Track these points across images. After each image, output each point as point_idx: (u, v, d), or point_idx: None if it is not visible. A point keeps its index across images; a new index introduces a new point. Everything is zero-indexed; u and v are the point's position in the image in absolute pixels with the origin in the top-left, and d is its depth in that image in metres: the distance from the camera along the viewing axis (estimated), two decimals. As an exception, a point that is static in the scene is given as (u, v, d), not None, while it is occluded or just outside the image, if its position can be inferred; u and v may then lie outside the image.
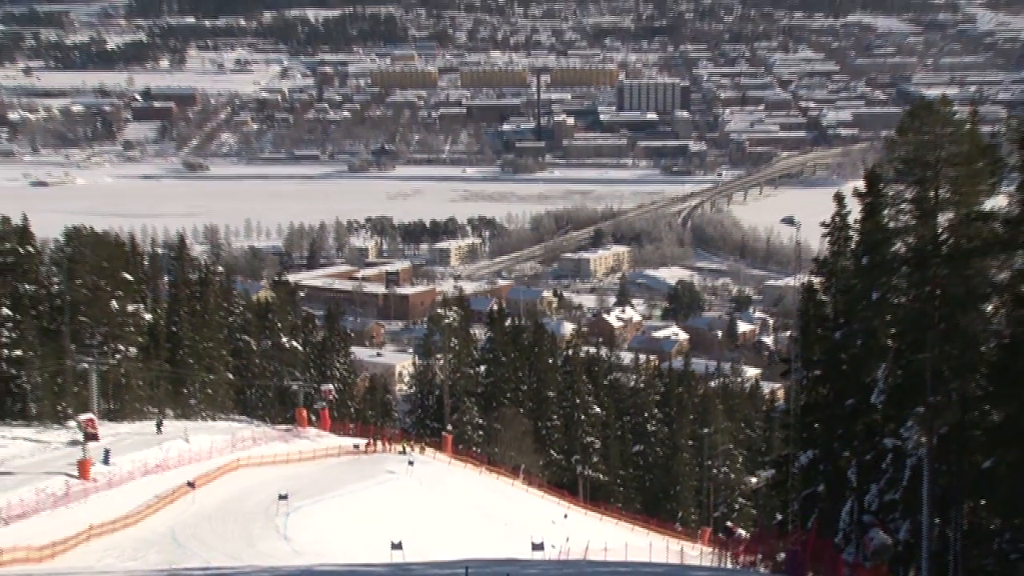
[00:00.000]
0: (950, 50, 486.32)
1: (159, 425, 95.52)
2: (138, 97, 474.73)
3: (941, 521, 44.54)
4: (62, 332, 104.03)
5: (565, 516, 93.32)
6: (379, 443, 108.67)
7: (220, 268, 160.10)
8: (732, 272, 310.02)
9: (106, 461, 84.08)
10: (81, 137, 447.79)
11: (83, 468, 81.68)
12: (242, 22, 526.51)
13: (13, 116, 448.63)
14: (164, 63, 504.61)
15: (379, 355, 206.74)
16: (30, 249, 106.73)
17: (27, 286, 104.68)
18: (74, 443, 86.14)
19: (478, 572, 30.62)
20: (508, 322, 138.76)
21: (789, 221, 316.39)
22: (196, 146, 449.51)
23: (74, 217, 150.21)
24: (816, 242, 74.37)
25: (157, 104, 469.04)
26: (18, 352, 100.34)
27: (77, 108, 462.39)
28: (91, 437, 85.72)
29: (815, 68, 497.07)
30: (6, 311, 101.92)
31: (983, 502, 43.84)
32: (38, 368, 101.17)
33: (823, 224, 62.86)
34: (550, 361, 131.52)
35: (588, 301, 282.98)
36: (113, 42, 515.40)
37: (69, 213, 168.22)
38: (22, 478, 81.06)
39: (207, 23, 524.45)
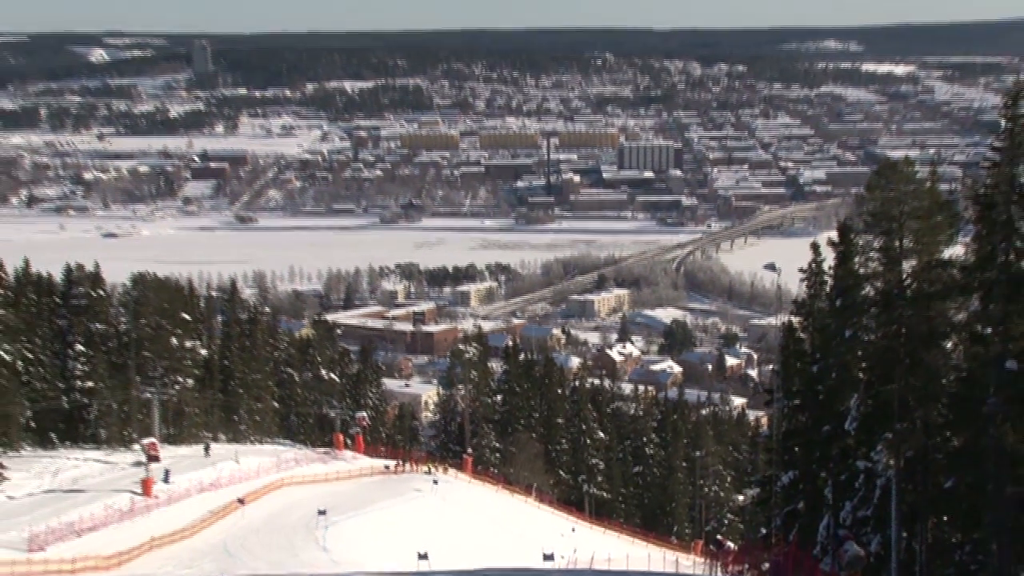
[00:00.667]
0: (911, 117, 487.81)
1: (207, 448, 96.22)
2: (196, 159, 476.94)
3: (908, 535, 44.49)
4: (128, 366, 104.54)
5: (573, 530, 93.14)
6: (407, 464, 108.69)
7: (267, 309, 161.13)
8: (720, 312, 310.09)
9: (166, 480, 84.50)
10: (146, 194, 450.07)
11: (146, 486, 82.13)
12: (287, 92, 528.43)
13: (88, 176, 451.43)
14: (219, 128, 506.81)
15: (407, 386, 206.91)
16: (101, 292, 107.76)
17: (98, 325, 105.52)
18: (138, 464, 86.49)
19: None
20: (522, 356, 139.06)
21: (771, 267, 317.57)
22: (246, 201, 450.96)
23: (139, 264, 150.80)
24: (795, 286, 74.53)
25: (213, 165, 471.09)
26: (90, 383, 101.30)
27: (143, 169, 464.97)
28: (153, 459, 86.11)
29: (793, 132, 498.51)
30: (79, 347, 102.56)
31: (945, 518, 43.81)
32: (107, 397, 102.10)
33: (801, 270, 63.09)
34: (559, 391, 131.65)
35: (593, 338, 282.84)
36: (175, 111, 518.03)
37: (135, 261, 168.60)
38: (93, 495, 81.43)
39: (257, 93, 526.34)
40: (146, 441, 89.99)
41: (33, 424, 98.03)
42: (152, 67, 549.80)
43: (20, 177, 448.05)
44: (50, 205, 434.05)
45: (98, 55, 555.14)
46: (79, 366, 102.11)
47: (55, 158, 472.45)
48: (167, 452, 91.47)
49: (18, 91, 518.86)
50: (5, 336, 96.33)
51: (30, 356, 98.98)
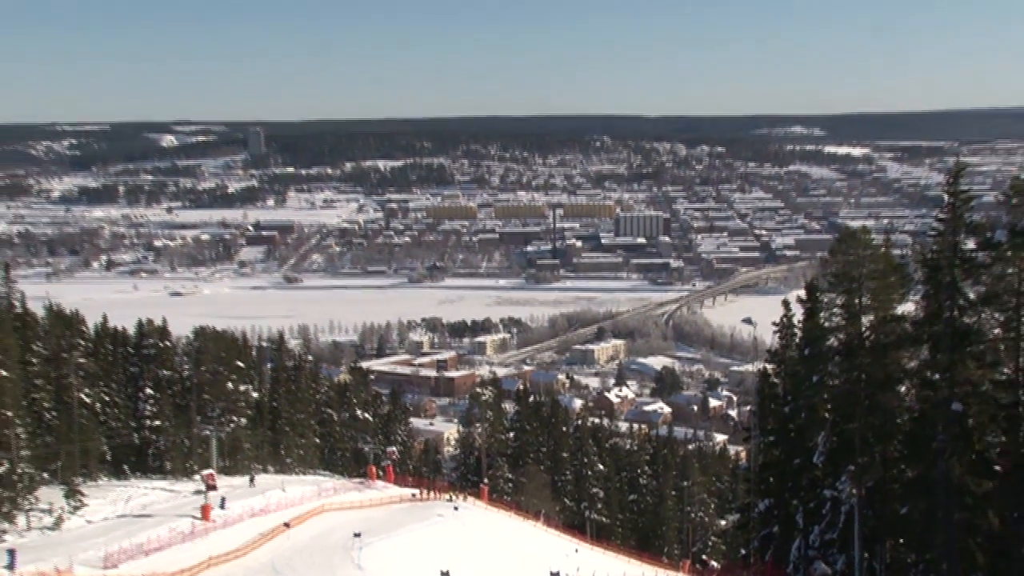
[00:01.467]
0: (867, 192, 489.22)
1: (251, 479, 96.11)
2: (250, 228, 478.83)
3: (869, 556, 44.27)
4: (190, 407, 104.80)
5: (576, 551, 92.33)
6: (431, 493, 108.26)
7: (309, 357, 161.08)
8: (704, 360, 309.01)
9: (222, 506, 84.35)
10: (207, 258, 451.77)
11: (205, 512, 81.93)
12: (329, 171, 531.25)
13: (158, 243, 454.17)
14: (270, 202, 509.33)
15: (431, 424, 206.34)
16: (167, 343, 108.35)
17: (165, 371, 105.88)
18: (198, 492, 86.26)
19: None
20: (531, 399, 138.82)
21: (748, 321, 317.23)
22: (293, 264, 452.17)
23: (200, 319, 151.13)
24: (769, 337, 74.40)
25: (264, 233, 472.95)
26: (157, 422, 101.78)
27: (205, 237, 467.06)
28: (211, 488, 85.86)
29: (765, 204, 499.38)
30: (149, 390, 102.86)
31: (901, 541, 43.64)
32: (172, 434, 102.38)
33: (774, 323, 63.41)
34: (564, 429, 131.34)
35: (593, 382, 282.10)
36: (233, 187, 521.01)
37: (197, 316, 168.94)
38: (159, 519, 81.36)
39: (303, 172, 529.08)
40: (205, 472, 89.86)
41: (109, 457, 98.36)
42: (214, 150, 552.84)
43: (101, 245, 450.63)
44: (125, 268, 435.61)
45: (168, 140, 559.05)
46: (148, 407, 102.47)
47: (130, 228, 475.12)
48: (223, 482, 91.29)
49: (100, 172, 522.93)
50: (86, 381, 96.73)
51: (107, 399, 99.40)
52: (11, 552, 65.49)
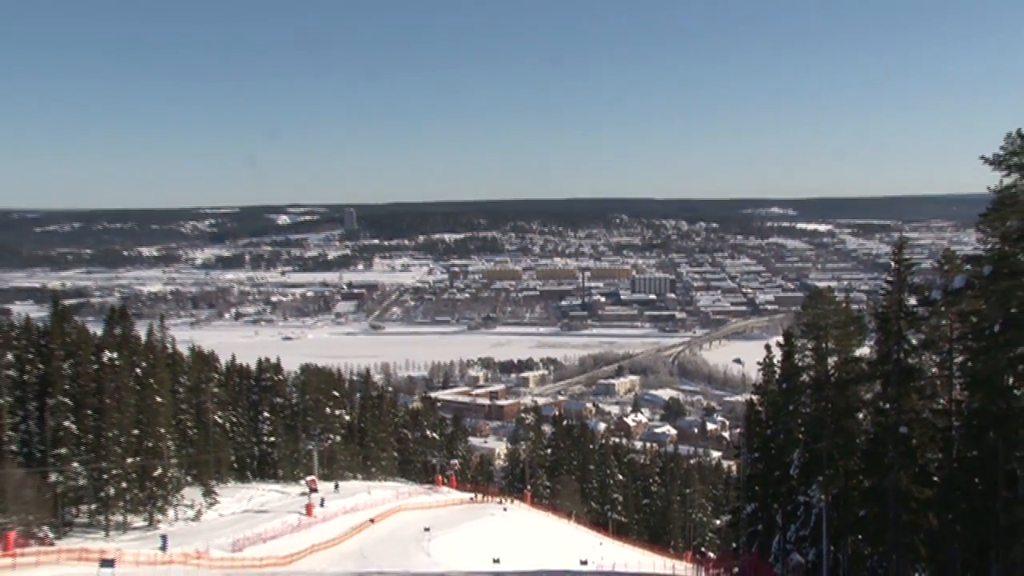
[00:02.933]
0: (831, 260, 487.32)
1: (336, 486, 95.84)
2: (344, 287, 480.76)
3: (835, 549, 43.99)
4: (297, 426, 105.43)
5: (600, 543, 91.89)
6: (485, 496, 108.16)
7: (390, 388, 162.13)
8: (703, 392, 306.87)
9: (322, 505, 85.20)
10: (311, 310, 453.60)
11: (308, 509, 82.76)
12: (406, 241, 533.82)
13: (273, 299, 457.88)
14: (360, 266, 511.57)
15: (485, 442, 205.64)
16: (280, 377, 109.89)
17: (278, 398, 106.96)
18: (303, 494, 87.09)
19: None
20: (564, 422, 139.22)
21: (738, 361, 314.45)
22: (377, 315, 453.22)
23: (305, 358, 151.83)
24: (754, 374, 74.33)
25: (355, 290, 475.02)
26: (272, 438, 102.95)
27: (309, 294, 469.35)
28: (313, 490, 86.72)
29: (751, 269, 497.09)
30: (266, 413, 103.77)
31: (860, 537, 43.30)
32: (283, 448, 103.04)
33: (758, 363, 63.47)
34: (590, 446, 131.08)
35: (614, 409, 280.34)
36: (331, 255, 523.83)
37: (302, 356, 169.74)
38: (273, 514, 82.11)
39: (385, 243, 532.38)
40: (308, 478, 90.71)
41: (235, 465, 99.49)
42: (317, 226, 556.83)
43: (231, 300, 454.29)
44: (249, 318, 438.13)
45: (283, 219, 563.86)
46: (265, 426, 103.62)
47: (253, 287, 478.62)
48: (322, 486, 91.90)
49: (231, 244, 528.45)
50: (219, 406, 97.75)
51: (234, 419, 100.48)
52: (164, 537, 66.25)
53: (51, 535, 67.39)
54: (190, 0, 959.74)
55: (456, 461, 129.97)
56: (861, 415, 45.03)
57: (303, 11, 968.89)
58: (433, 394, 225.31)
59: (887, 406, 40.16)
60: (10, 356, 75.78)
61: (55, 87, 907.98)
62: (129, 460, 76.11)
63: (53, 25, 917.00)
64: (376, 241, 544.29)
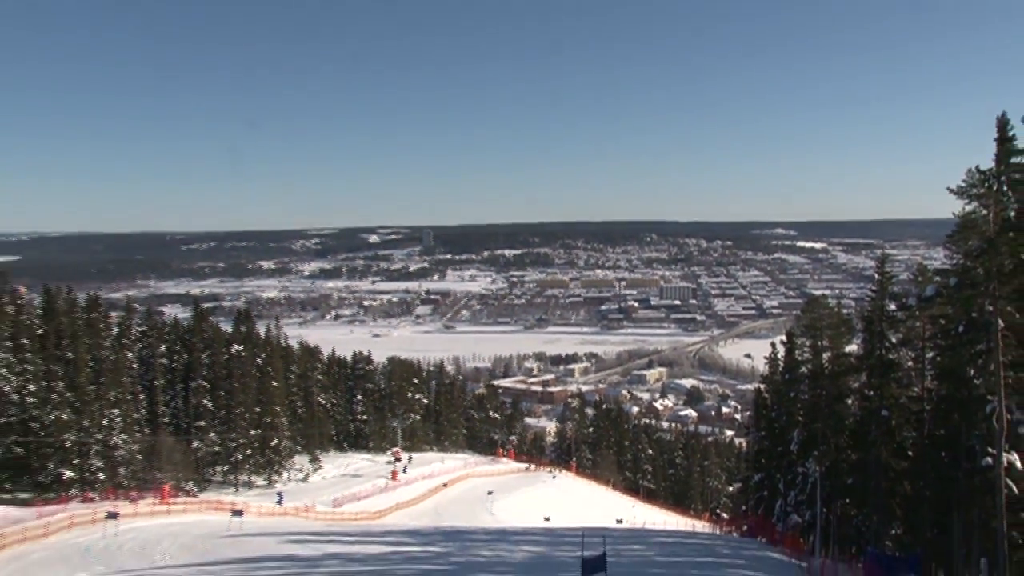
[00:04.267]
0: (825, 272, 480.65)
1: (410, 458, 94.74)
2: (423, 293, 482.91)
3: (826, 510, 43.79)
4: (384, 407, 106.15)
5: (633, 506, 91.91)
6: (538, 466, 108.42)
7: (460, 377, 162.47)
8: (719, 382, 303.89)
9: (405, 471, 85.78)
10: (395, 313, 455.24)
11: (393, 475, 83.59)
12: (473, 256, 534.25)
13: (365, 303, 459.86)
14: (435, 277, 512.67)
15: (538, 422, 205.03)
16: (370, 367, 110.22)
17: (369, 384, 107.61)
18: (389, 462, 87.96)
19: (588, 533, 30.79)
20: (604, 406, 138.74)
21: (748, 356, 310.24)
22: (449, 317, 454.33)
23: (391, 352, 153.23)
24: (761, 366, 73.93)
25: (432, 296, 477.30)
26: (364, 417, 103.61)
27: (394, 299, 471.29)
28: (397, 459, 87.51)
29: (759, 279, 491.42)
30: (359, 396, 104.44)
31: (847, 501, 43.14)
32: (373, 425, 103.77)
33: (765, 357, 63.11)
34: (625, 426, 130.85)
35: (645, 396, 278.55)
36: (412, 267, 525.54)
37: (389, 350, 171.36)
38: (365, 478, 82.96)
39: (457, 257, 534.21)
40: (393, 449, 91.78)
41: (335, 438, 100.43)
42: (401, 244, 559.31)
43: (331, 304, 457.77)
44: (345, 319, 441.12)
45: (374, 238, 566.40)
46: (359, 407, 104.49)
47: (349, 294, 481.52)
48: (404, 457, 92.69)
49: (332, 258, 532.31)
50: (322, 390, 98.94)
51: (334, 401, 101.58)
52: (280, 494, 67.50)
53: (195, 489, 69.14)
54: (332, 47, 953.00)
55: (514, 438, 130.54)
56: (849, 401, 44.80)
57: (403, 62, 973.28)
58: (495, 382, 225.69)
59: (871, 393, 40.05)
60: (163, 347, 77.97)
61: (205, 132, 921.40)
62: (252, 432, 77.58)
63: (208, 78, 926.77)
64: (449, 256, 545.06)
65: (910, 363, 38.63)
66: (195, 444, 74.11)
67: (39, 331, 67.99)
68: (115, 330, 76.63)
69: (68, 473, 63.06)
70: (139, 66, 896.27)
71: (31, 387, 63.23)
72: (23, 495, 60.86)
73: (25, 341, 65.07)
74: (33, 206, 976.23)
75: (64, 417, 62.86)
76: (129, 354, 74.65)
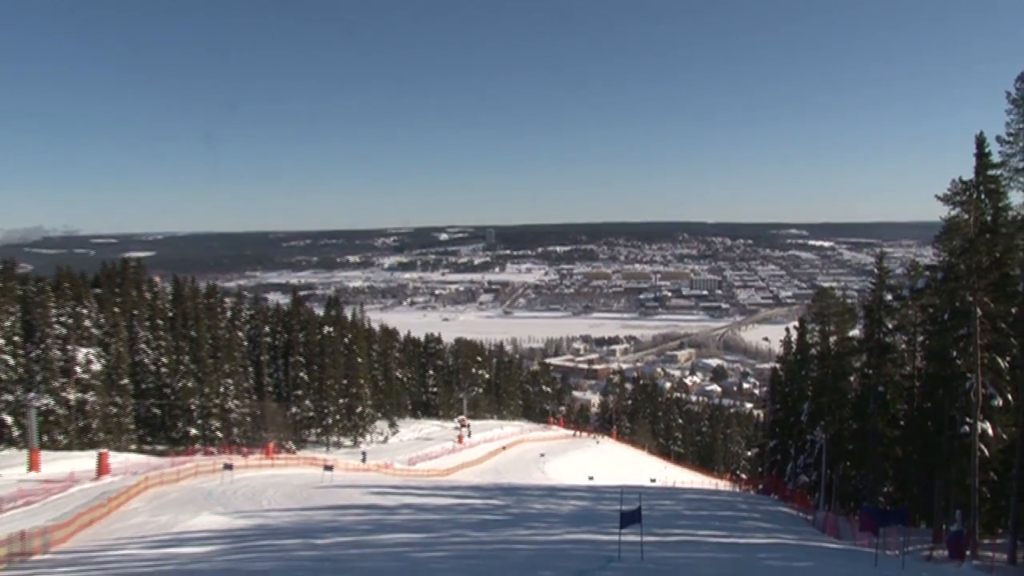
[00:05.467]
0: (833, 267, 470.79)
1: (469, 432, 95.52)
2: (485, 284, 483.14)
3: (830, 472, 43.67)
4: (451, 381, 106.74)
5: (665, 467, 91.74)
6: (583, 433, 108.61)
7: (517, 356, 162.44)
8: (741, 361, 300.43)
9: (469, 436, 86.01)
10: (462, 300, 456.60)
11: (459, 439, 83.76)
12: (529, 252, 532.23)
13: (436, 292, 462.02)
14: (496, 270, 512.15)
15: (584, 395, 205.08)
16: (440, 346, 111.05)
17: (439, 361, 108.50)
18: (456, 428, 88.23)
19: (626, 490, 31.10)
20: (640, 381, 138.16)
21: (766, 339, 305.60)
22: (508, 304, 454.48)
23: (457, 333, 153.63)
24: (777, 348, 73.21)
25: (493, 287, 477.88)
26: (435, 389, 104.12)
27: (461, 289, 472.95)
28: (463, 426, 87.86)
29: (775, 273, 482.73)
30: (431, 372, 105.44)
31: (848, 463, 43.03)
32: (442, 396, 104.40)
33: (780, 340, 62.80)
34: (659, 399, 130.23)
35: (676, 373, 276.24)
36: (476, 261, 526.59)
37: (456, 332, 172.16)
38: (435, 441, 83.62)
39: (515, 253, 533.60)
40: (459, 417, 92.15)
41: (410, 407, 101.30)
42: (467, 241, 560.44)
43: (407, 293, 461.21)
44: (419, 306, 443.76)
45: (443, 236, 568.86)
46: (430, 380, 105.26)
47: (423, 284, 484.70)
48: (468, 423, 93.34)
49: (408, 253, 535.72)
50: (399, 365, 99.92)
51: (410, 376, 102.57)
52: (364, 453, 68.65)
53: (293, 447, 70.87)
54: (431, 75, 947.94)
55: (563, 408, 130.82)
56: (852, 378, 44.63)
57: (463, 70, 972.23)
58: (547, 360, 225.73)
59: (870, 372, 39.99)
60: (267, 328, 79.88)
61: (306, 147, 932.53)
62: (340, 400, 79.19)
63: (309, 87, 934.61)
64: (508, 251, 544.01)
65: (903, 346, 38.54)
66: (293, 410, 75.92)
67: (170, 313, 70.55)
68: (229, 313, 78.90)
69: (193, 431, 65.53)
70: (242, 85, 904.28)
71: (164, 359, 65.77)
72: (160, 447, 63.44)
73: (159, 321, 67.66)
74: (165, 211, 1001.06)
75: (190, 385, 65.21)
76: (240, 333, 76.83)
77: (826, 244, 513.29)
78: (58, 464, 46.24)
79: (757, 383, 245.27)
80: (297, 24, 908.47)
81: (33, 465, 45.28)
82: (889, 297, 39.00)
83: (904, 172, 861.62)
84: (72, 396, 56.40)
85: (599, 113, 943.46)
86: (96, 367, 58.37)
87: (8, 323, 54.54)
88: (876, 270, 41.02)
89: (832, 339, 47.51)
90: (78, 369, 57.06)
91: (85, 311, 60.25)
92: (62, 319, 57.83)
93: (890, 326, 38.91)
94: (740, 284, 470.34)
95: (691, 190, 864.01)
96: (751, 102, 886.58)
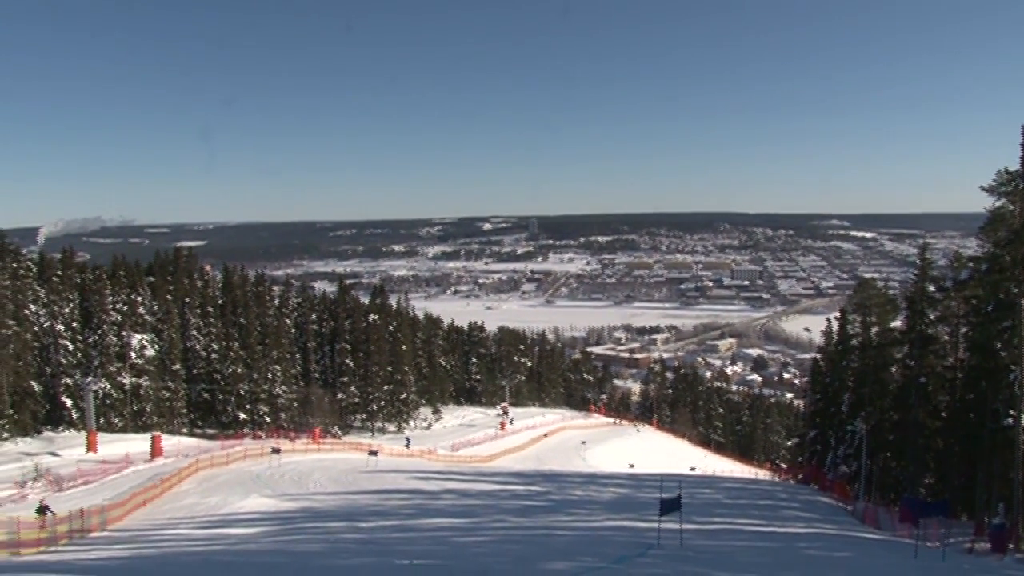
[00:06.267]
0: (874, 258, 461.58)
1: (511, 415, 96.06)
2: (528, 273, 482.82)
3: (871, 462, 43.13)
4: (495, 368, 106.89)
5: (705, 456, 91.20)
6: (624, 421, 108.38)
7: (559, 344, 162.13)
8: (781, 351, 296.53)
9: (511, 423, 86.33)
10: (505, 289, 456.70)
11: (502, 425, 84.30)
12: (571, 242, 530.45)
13: (480, 281, 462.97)
14: (539, 259, 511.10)
15: (625, 383, 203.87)
16: (483, 334, 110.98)
17: (482, 349, 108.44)
18: (498, 415, 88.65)
19: (666, 479, 30.94)
20: (681, 371, 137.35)
21: (807, 329, 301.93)
22: (550, 293, 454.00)
23: (500, 322, 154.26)
24: (818, 338, 72.32)
25: (535, 276, 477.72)
26: (477, 376, 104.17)
27: (504, 278, 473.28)
28: (505, 412, 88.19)
29: (816, 264, 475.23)
30: (474, 359, 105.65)
31: (889, 454, 42.43)
32: (484, 383, 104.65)
33: (821, 331, 62.14)
34: (699, 388, 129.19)
35: (717, 362, 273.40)
36: (519, 251, 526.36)
37: (498, 320, 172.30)
38: (478, 428, 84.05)
39: (557, 243, 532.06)
40: (502, 404, 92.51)
41: (453, 394, 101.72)
42: (510, 231, 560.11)
43: (451, 281, 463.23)
44: (463, 294, 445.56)
45: (487, 226, 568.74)
46: (473, 368, 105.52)
47: (466, 273, 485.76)
48: (512, 410, 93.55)
49: (452, 243, 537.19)
50: (442, 353, 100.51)
51: (453, 363, 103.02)
52: (408, 439, 69.26)
53: (339, 432, 71.80)
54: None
55: (604, 396, 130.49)
56: (893, 369, 43.97)
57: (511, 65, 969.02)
58: (589, 349, 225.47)
59: (911, 363, 39.32)
60: (313, 316, 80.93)
61: (348, 140, 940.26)
62: (385, 387, 79.94)
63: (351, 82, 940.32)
64: (550, 241, 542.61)
65: (946, 337, 37.82)
66: (339, 395, 76.86)
67: (220, 301, 71.87)
68: (277, 301, 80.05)
69: (242, 415, 66.75)
70: (287, 76, 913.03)
71: (214, 346, 67.04)
72: (210, 431, 64.81)
73: (210, 309, 68.98)
74: (215, 201, 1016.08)
75: (239, 370, 66.38)
76: (287, 321, 77.94)
77: (868, 235, 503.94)
78: (114, 446, 47.54)
79: (797, 373, 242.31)
80: (358, 16, 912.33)
81: (91, 446, 46.65)
82: (932, 288, 38.27)
83: (948, 162, 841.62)
84: (127, 380, 57.80)
85: (642, 105, 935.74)
86: (149, 352, 59.74)
87: (67, 310, 56.02)
88: (919, 261, 40.35)
89: (874, 330, 46.80)
90: (132, 354, 58.43)
91: (139, 298, 61.66)
92: (118, 306, 59.24)
93: (933, 317, 38.20)
94: (781, 274, 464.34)
95: (733, 181, 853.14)
96: (794, 94, 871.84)
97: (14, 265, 54.50)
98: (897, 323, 45.23)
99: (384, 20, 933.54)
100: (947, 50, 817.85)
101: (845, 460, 49.04)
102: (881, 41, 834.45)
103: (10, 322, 49.56)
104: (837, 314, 57.53)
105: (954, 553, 22.12)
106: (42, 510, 23.80)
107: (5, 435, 48.52)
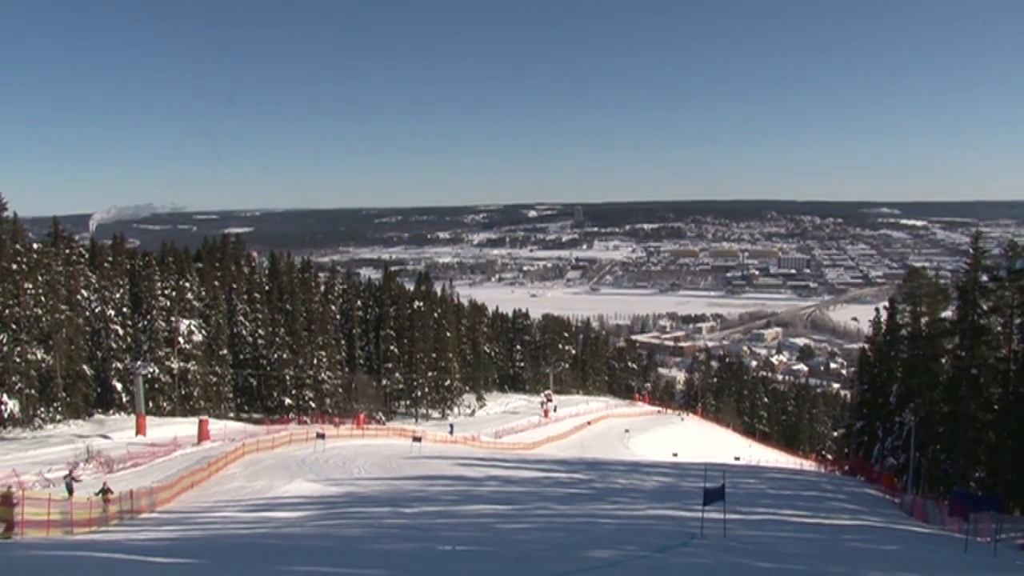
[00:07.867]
0: (925, 247, 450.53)
1: (554, 402, 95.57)
2: (573, 260, 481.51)
3: (919, 455, 42.39)
4: (539, 356, 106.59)
5: (749, 446, 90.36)
6: (668, 410, 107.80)
7: (603, 332, 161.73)
8: (828, 341, 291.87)
9: (555, 410, 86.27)
10: (549, 277, 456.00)
11: (545, 413, 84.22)
12: (616, 229, 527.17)
13: (524, 268, 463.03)
14: (584, 247, 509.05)
15: (669, 372, 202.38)
16: (528, 322, 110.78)
17: (526, 336, 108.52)
18: (542, 403, 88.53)
19: (710, 468, 30.67)
20: (727, 360, 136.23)
21: (854, 319, 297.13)
22: (595, 281, 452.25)
23: (545, 309, 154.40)
24: (866, 328, 71.27)
25: (580, 263, 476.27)
26: (521, 364, 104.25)
27: (548, 265, 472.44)
28: (549, 400, 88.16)
29: (865, 252, 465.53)
30: (518, 347, 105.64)
31: (938, 447, 41.62)
32: (528, 370, 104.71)
33: (870, 321, 61.30)
34: (745, 378, 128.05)
35: (763, 352, 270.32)
36: (564, 238, 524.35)
37: (544, 308, 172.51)
38: (521, 415, 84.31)
39: (602, 230, 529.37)
40: (546, 392, 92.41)
41: (497, 381, 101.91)
42: (555, 218, 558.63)
43: (495, 269, 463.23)
44: (507, 281, 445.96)
45: (532, 213, 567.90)
46: (517, 355, 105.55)
47: (511, 260, 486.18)
48: (555, 398, 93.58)
49: (497, 230, 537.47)
50: (487, 340, 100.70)
51: (497, 350, 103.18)
52: (452, 425, 69.74)
53: (383, 418, 72.53)
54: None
55: (649, 385, 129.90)
56: (943, 360, 43.14)
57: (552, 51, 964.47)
58: (633, 337, 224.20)
59: (963, 354, 38.54)
60: (359, 302, 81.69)
61: (395, 126, 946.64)
62: (429, 374, 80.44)
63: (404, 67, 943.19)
64: (595, 229, 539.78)
65: (999, 328, 36.92)
66: (384, 382, 77.63)
67: (266, 287, 72.94)
68: (322, 288, 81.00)
69: (287, 400, 67.77)
70: (334, 60, 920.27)
71: (260, 331, 68.07)
72: (256, 415, 65.92)
73: (256, 295, 70.01)
74: (262, 188, 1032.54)
75: (284, 356, 67.34)
76: (333, 307, 78.84)
77: (919, 223, 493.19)
78: (163, 429, 48.62)
79: (845, 363, 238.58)
80: (410, 7, 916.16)
81: (140, 429, 47.75)
82: (985, 278, 37.38)
83: (1002, 149, 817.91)
84: (175, 365, 59.01)
85: (686, 92, 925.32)
86: (197, 338, 60.88)
87: (118, 295, 57.29)
88: (972, 250, 39.41)
89: (924, 320, 45.93)
90: (181, 339, 59.61)
91: (188, 284, 62.84)
92: (166, 292, 60.45)
93: (985, 308, 37.34)
94: (829, 263, 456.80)
95: (780, 168, 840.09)
96: (842, 79, 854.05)
97: (67, 251, 55.92)
98: (948, 313, 44.35)
99: (438, 8, 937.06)
100: (1007, 36, 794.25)
101: (893, 452, 48.24)
102: (940, 26, 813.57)
103: (63, 307, 50.82)
104: (886, 304, 56.49)
105: (1006, 549, 21.57)
106: (104, 492, 24.45)
107: (58, 417, 49.86)
